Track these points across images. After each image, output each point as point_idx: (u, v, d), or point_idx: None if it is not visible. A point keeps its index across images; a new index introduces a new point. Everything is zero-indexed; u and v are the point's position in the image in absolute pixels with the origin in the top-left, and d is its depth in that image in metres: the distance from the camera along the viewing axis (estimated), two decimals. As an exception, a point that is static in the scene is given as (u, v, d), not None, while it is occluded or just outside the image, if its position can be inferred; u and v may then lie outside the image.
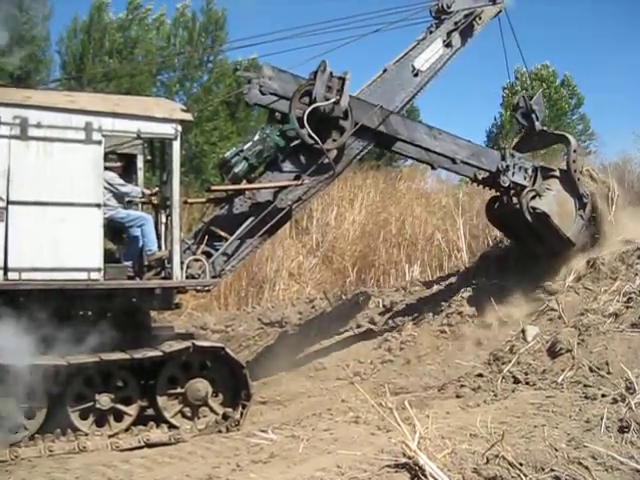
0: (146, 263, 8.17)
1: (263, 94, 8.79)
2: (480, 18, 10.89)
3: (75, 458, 6.99)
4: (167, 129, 7.95)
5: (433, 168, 10.56)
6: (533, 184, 10.79)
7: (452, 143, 10.30)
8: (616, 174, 13.01)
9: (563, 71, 29.91)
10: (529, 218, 10.65)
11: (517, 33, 11.30)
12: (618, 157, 16.51)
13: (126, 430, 7.63)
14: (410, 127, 10.08)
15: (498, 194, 11.15)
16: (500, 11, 11.15)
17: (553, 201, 10.78)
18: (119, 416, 7.67)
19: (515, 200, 10.75)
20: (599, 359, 8.27)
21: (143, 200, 8.81)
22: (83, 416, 7.49)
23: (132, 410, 7.72)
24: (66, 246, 7.36)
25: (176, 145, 7.96)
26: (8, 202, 7.15)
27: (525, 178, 10.78)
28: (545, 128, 11.63)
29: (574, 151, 11.10)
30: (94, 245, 7.50)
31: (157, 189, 8.79)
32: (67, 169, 7.41)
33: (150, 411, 7.91)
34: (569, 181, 10.95)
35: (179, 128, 7.97)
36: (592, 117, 31.24)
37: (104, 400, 7.51)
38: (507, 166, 10.57)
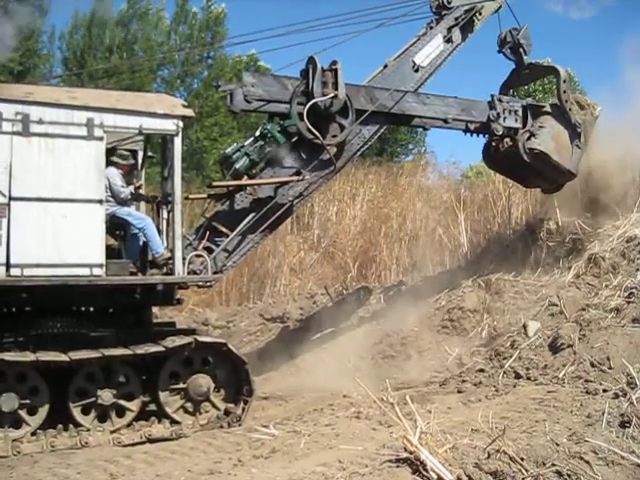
0: (154, 262, 8.17)
1: (248, 102, 8.81)
2: (480, 14, 10.94)
3: (77, 453, 7.01)
4: (169, 125, 7.94)
5: (425, 129, 10.65)
6: (525, 124, 10.83)
7: (442, 104, 10.31)
8: None
9: (565, 67, 29.75)
10: (527, 159, 10.71)
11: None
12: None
13: (128, 425, 7.65)
14: (397, 98, 9.96)
15: (491, 139, 11.16)
16: (500, 6, 11.17)
17: (548, 138, 10.82)
18: (121, 411, 7.69)
19: (511, 143, 10.79)
20: (600, 354, 8.28)
21: (132, 197, 8.78)
22: (85, 411, 7.50)
23: (134, 405, 7.74)
24: (68, 242, 7.34)
25: (177, 141, 7.96)
26: (10, 198, 7.14)
27: (517, 120, 10.83)
28: (534, 61, 11.59)
29: (564, 81, 11.11)
30: (96, 241, 7.49)
31: (140, 183, 8.80)
32: (69, 165, 7.40)
33: (152, 406, 7.93)
34: (560, 114, 10.98)
35: (180, 124, 7.96)
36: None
37: (106, 396, 7.53)
38: (497, 114, 10.62)
